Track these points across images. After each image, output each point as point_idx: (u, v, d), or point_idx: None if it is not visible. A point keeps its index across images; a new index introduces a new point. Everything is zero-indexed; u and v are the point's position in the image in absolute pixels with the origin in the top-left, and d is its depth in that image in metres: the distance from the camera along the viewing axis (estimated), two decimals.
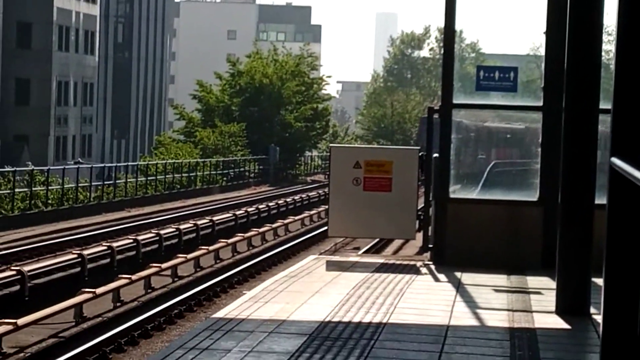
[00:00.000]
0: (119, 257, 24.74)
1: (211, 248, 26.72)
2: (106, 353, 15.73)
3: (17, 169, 40.14)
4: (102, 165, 60.98)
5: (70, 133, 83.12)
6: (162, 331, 17.83)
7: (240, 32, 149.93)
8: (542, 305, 10.75)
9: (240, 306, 10.28)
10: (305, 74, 75.53)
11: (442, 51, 13.67)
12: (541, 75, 13.58)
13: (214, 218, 33.70)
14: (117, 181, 47.25)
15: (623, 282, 5.58)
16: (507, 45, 14.79)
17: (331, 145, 19.18)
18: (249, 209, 38.05)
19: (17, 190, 37.30)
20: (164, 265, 23.01)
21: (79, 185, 42.06)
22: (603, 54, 10.80)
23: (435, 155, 13.75)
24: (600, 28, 10.55)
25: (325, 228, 16.90)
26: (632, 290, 5.50)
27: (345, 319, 9.71)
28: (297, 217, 37.78)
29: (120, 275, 21.08)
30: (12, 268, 20.88)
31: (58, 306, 17.47)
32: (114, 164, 59.48)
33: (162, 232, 28.66)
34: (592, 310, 10.24)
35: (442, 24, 13.82)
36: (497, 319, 10.00)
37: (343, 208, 14.50)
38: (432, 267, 13.37)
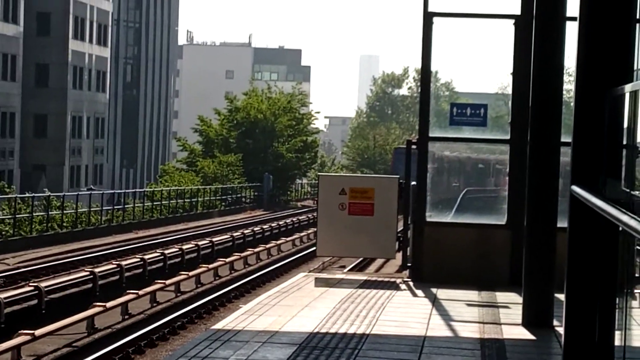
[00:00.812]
0: (127, 274, 24.68)
1: (211, 266, 26.66)
2: None
3: (35, 195, 40.04)
4: (112, 191, 60.86)
5: (84, 163, 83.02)
6: (166, 341, 17.77)
7: (238, 72, 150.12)
8: (510, 318, 10.75)
9: (237, 318, 10.26)
10: (296, 110, 75.57)
11: (420, 90, 13.72)
12: (508, 112, 13.63)
13: (214, 239, 33.64)
14: (126, 206, 47.15)
15: (582, 297, 5.60)
16: (478, 85, 14.84)
17: (319, 174, 19.19)
18: (245, 231, 37.98)
19: (35, 214, 37.25)
20: (168, 282, 22.96)
21: (91, 209, 42.01)
22: (564, 92, 10.85)
23: (413, 183, 13.77)
24: (562, 69, 10.61)
25: (314, 248, 16.87)
26: (590, 305, 5.51)
27: (332, 330, 9.69)
28: (288, 239, 37.73)
29: (128, 291, 21.01)
30: (30, 284, 20.83)
31: (72, 318, 17.41)
32: (123, 191, 59.31)
33: (166, 251, 28.60)
34: (555, 322, 10.24)
35: (419, 66, 13.86)
36: (469, 331, 10.00)
37: (330, 230, 14.50)
38: (411, 283, 13.37)
